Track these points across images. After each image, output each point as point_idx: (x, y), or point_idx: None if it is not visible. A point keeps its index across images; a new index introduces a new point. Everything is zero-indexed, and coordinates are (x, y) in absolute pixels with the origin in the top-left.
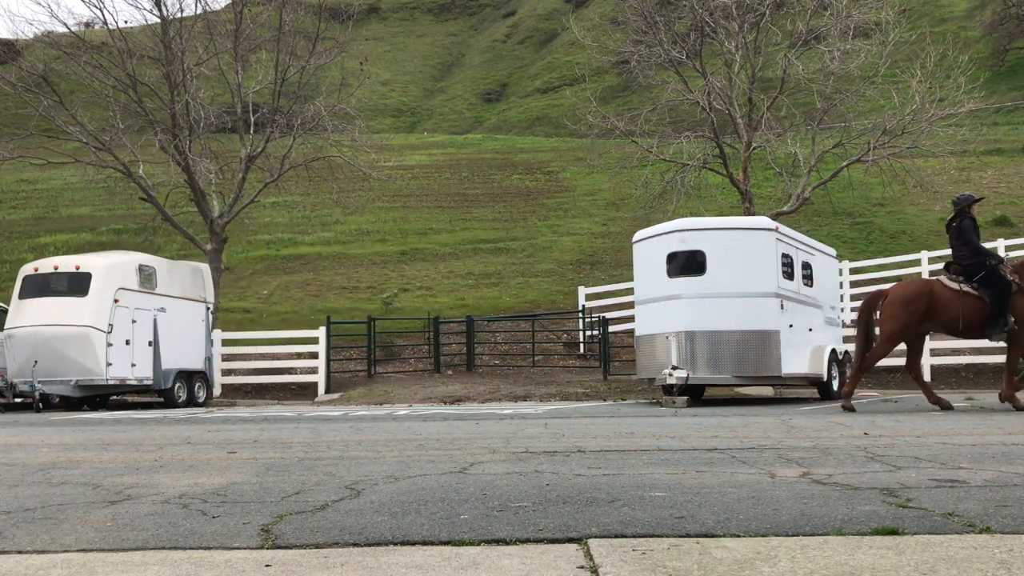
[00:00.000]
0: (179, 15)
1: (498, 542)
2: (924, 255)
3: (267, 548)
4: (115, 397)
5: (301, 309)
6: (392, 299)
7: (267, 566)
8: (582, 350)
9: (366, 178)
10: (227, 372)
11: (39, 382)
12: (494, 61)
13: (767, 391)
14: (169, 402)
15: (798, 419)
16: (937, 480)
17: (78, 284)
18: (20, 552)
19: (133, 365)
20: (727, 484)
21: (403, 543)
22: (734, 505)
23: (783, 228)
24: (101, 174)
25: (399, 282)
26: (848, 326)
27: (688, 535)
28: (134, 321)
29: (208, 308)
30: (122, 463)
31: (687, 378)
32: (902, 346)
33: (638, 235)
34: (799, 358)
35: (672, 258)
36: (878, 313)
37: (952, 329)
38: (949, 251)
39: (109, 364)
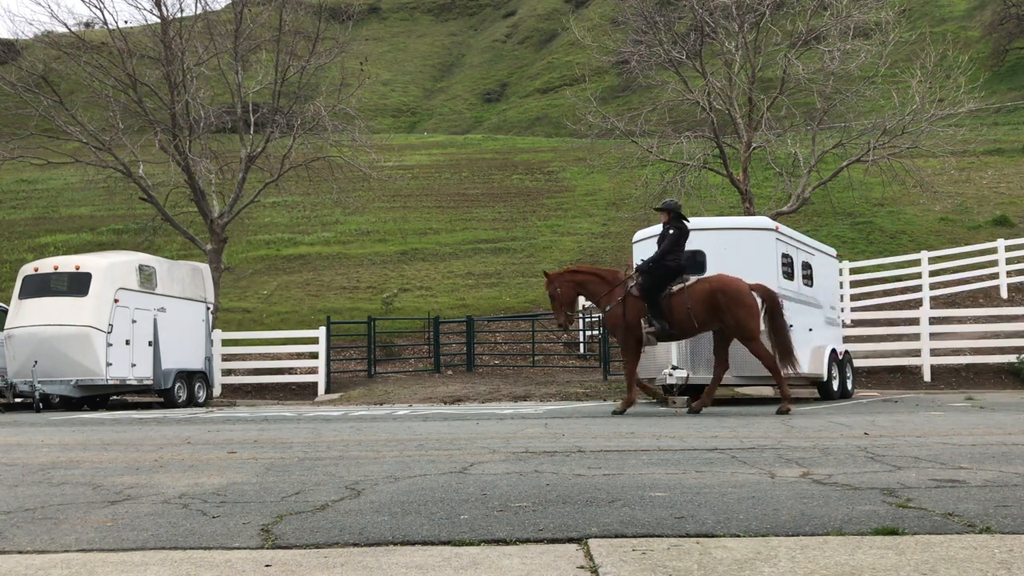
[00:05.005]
0: (179, 15)
1: (498, 542)
2: (924, 255)
3: (267, 548)
4: (115, 397)
5: (301, 309)
6: (392, 299)
7: (267, 566)
8: (582, 350)
9: (366, 178)
10: (227, 372)
11: (39, 382)
12: (494, 61)
13: (767, 391)
14: (169, 402)
15: (798, 419)
16: (937, 480)
17: (78, 284)
18: (20, 552)
19: (133, 365)
20: (727, 484)
21: (403, 543)
22: (734, 505)
23: (783, 228)
24: (101, 174)
25: (399, 282)
26: (848, 326)
27: (688, 535)
28: (134, 321)
29: (208, 308)
30: (122, 463)
31: (687, 378)
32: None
33: (638, 235)
34: (799, 358)
35: None
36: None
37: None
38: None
39: (109, 364)
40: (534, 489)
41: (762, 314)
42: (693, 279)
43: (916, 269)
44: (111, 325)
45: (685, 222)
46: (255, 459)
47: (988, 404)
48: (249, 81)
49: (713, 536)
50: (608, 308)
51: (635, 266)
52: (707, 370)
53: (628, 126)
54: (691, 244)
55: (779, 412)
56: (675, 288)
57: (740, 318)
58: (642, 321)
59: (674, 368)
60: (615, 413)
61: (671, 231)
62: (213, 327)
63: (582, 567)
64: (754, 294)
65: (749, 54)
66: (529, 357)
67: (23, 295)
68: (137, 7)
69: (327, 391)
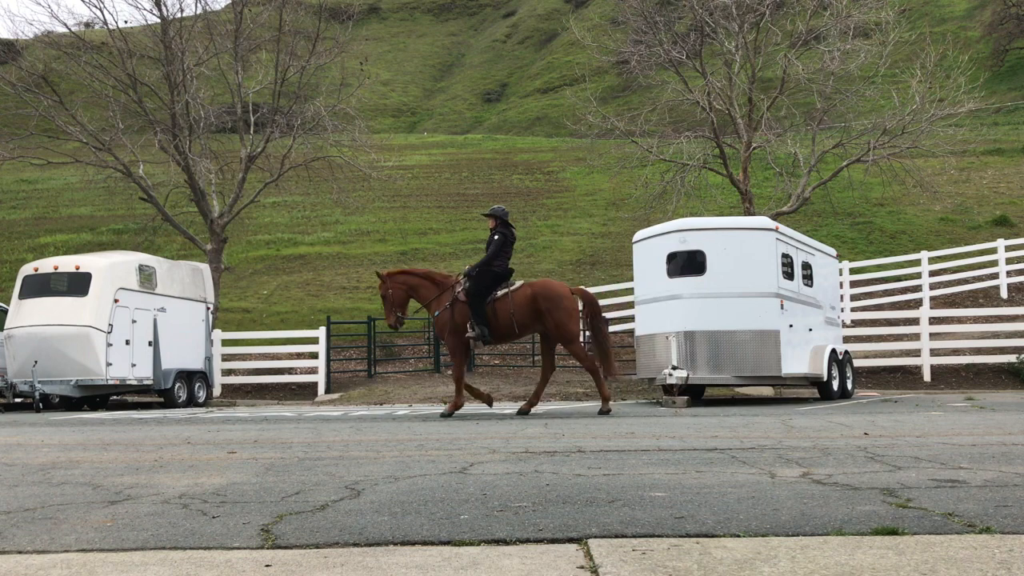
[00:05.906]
0: (179, 15)
1: (498, 542)
2: (924, 255)
3: (267, 548)
4: (115, 397)
5: (301, 309)
6: None
7: (267, 566)
8: None
9: (366, 178)
10: (227, 372)
11: (39, 382)
12: (494, 61)
13: (767, 391)
14: (169, 402)
15: (798, 419)
16: (937, 480)
17: (78, 284)
18: (20, 552)
19: (133, 365)
20: (727, 484)
21: (403, 543)
22: (734, 505)
23: (783, 228)
24: (101, 174)
25: None
26: (848, 326)
27: (688, 535)
28: (134, 321)
29: (208, 308)
30: (122, 463)
31: (687, 378)
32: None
33: (638, 235)
34: (799, 358)
35: (672, 258)
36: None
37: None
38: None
39: (109, 364)
40: (534, 489)
41: (583, 318)
42: (518, 284)
43: (916, 269)
44: (111, 325)
45: (511, 228)
46: (255, 459)
47: (988, 404)
48: (249, 81)
49: (713, 536)
50: (437, 313)
51: (464, 271)
52: (707, 370)
53: (628, 126)
54: (691, 244)
55: (600, 412)
56: (500, 293)
57: (559, 321)
58: (468, 325)
59: (674, 368)
60: (450, 415)
61: (496, 236)
62: (213, 327)
63: (582, 567)
64: (575, 297)
65: (749, 54)
66: (529, 357)
67: (23, 295)
68: (137, 7)
69: (327, 391)
